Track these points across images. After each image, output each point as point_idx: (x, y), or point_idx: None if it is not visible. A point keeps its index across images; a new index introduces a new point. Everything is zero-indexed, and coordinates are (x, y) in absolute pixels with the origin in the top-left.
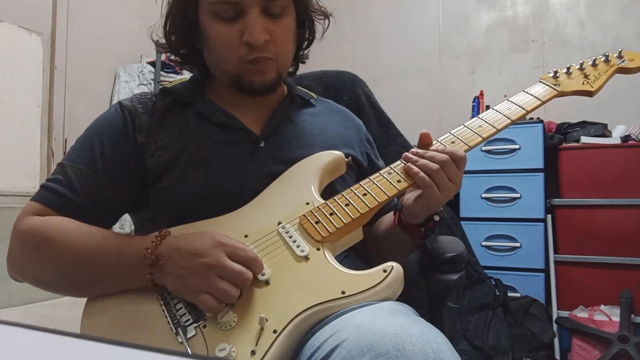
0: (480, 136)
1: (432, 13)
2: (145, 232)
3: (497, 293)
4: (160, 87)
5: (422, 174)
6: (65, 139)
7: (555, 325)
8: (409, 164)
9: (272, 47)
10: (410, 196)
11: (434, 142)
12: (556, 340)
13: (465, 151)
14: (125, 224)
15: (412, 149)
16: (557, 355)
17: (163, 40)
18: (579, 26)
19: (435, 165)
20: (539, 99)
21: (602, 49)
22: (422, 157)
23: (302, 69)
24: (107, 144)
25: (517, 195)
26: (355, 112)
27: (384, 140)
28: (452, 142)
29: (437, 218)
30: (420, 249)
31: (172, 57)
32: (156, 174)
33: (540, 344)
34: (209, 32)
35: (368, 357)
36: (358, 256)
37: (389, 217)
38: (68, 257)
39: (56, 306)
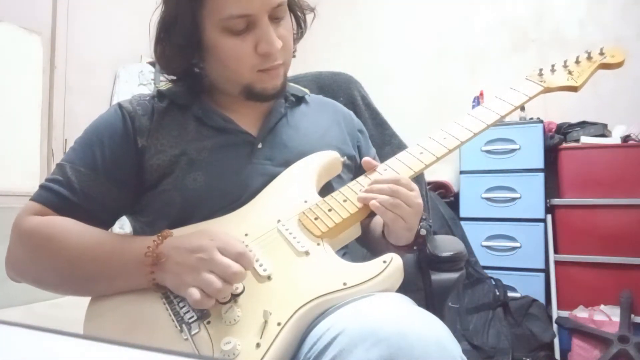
0: (471, 131)
1: (431, 13)
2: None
3: (497, 293)
4: (156, 88)
5: (390, 212)
6: (65, 139)
7: (555, 325)
8: (372, 201)
9: (282, 52)
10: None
11: (380, 167)
12: (556, 340)
13: (458, 146)
14: (125, 224)
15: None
16: (557, 355)
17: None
18: (579, 26)
19: (396, 200)
20: (526, 94)
21: None
22: (373, 191)
23: (301, 69)
24: (107, 146)
25: (517, 195)
26: None
27: (379, 141)
28: (444, 138)
29: (423, 232)
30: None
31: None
32: (156, 177)
33: (540, 344)
34: (219, 48)
35: (369, 342)
36: (361, 244)
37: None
38: (71, 255)
39: (56, 306)
